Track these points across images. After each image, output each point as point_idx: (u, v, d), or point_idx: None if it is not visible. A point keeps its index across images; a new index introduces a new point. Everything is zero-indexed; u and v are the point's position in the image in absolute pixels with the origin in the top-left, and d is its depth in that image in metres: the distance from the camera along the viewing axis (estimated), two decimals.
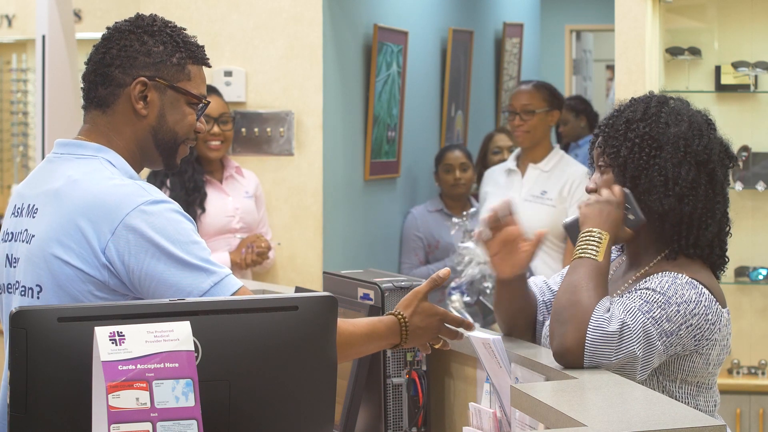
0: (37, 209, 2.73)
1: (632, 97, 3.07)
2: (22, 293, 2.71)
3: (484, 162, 7.31)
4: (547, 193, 5.73)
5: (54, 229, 2.67)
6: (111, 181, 2.69)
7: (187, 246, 2.63)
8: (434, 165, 7.11)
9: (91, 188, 2.67)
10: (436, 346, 3.01)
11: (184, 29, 2.86)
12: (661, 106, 2.99)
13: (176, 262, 2.61)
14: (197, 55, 2.84)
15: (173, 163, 2.85)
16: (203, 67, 2.86)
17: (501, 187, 5.87)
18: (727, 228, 3.01)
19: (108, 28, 2.84)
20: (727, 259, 3.02)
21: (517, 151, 5.99)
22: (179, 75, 2.80)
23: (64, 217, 2.66)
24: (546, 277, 3.31)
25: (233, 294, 2.64)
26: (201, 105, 2.84)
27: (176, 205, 2.68)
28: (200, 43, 2.88)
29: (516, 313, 3.14)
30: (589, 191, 3.03)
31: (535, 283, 3.23)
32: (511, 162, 5.96)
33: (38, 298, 2.68)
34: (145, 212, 2.63)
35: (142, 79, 2.77)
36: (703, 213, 2.94)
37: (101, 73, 2.79)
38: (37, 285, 2.68)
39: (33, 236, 2.71)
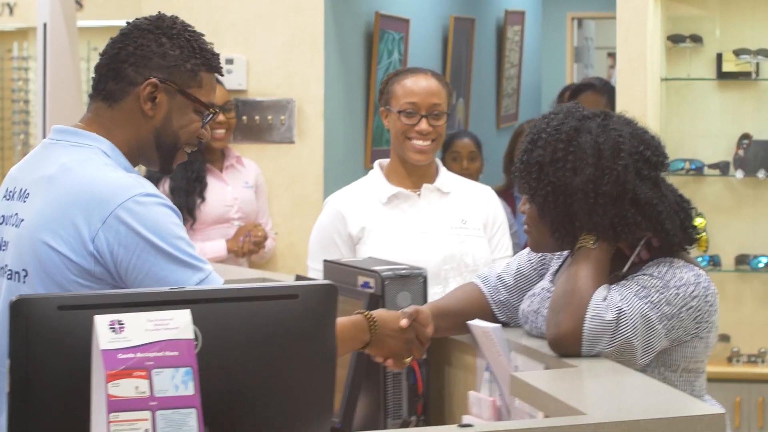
0: (28, 194, 2.74)
1: (547, 121, 2.98)
2: (9, 277, 2.72)
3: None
4: (467, 221, 4.10)
5: (44, 214, 2.67)
6: (104, 171, 2.69)
7: (175, 241, 2.65)
8: (441, 151, 6.85)
9: (83, 177, 2.68)
10: (407, 360, 3.08)
11: (203, 35, 2.85)
12: (569, 144, 2.92)
13: (165, 256, 2.63)
14: (211, 64, 2.82)
15: (169, 167, 2.85)
16: (216, 75, 2.85)
17: (387, 218, 4.07)
18: (690, 209, 2.99)
19: (128, 23, 2.83)
20: (696, 235, 3.00)
21: (383, 164, 4.17)
22: (191, 81, 2.79)
23: (55, 204, 2.67)
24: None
25: None
26: (207, 114, 2.83)
27: (167, 200, 2.69)
28: (202, 31, 2.87)
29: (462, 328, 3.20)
30: (521, 212, 3.04)
31: (487, 280, 3.25)
32: (385, 184, 4.10)
33: (24, 282, 2.68)
34: (137, 204, 2.63)
35: (154, 80, 2.76)
36: (653, 225, 2.93)
37: (114, 68, 2.78)
38: (23, 269, 2.69)
39: (22, 220, 2.71)
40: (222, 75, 2.89)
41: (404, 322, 3.04)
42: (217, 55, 2.85)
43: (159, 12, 2.85)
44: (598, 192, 2.89)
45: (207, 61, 2.81)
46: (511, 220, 6.22)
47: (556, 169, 2.92)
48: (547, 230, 2.97)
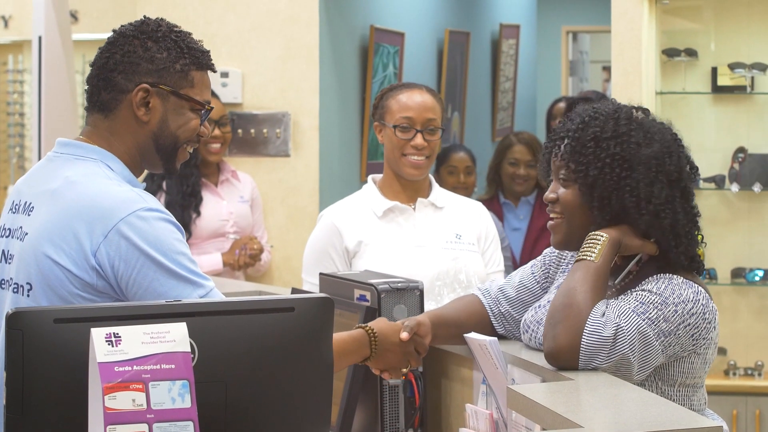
0: (33, 207, 2.73)
1: (594, 108, 3.01)
2: (14, 290, 2.72)
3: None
4: (462, 236, 4.10)
5: (47, 228, 2.67)
6: (108, 185, 2.69)
7: (177, 257, 2.64)
8: (436, 165, 6.75)
9: (87, 191, 2.67)
10: (405, 370, 3.09)
11: (190, 34, 2.84)
12: (630, 122, 2.95)
13: (166, 272, 2.62)
14: (201, 61, 2.81)
15: (173, 168, 2.84)
16: (208, 71, 2.84)
17: (384, 232, 4.05)
18: (699, 236, 3.02)
19: (113, 32, 2.82)
20: (703, 264, 3.03)
21: (376, 179, 4.17)
22: (182, 82, 2.79)
23: (59, 217, 2.67)
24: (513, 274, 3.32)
25: None
26: (204, 111, 2.82)
27: (169, 215, 2.69)
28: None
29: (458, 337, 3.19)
30: (547, 201, 3.00)
31: (488, 292, 3.25)
32: (380, 198, 4.09)
33: (28, 296, 2.68)
34: (139, 219, 2.62)
35: (144, 85, 2.75)
36: (686, 224, 2.94)
37: (104, 78, 2.78)
38: (27, 283, 2.69)
39: (26, 234, 2.71)
40: (215, 71, 2.87)
41: (405, 336, 3.04)
42: (207, 52, 2.84)
43: (144, 16, 2.84)
44: (659, 170, 2.91)
45: (196, 59, 2.80)
46: (502, 233, 6.21)
47: (618, 142, 2.92)
48: (587, 211, 2.94)
